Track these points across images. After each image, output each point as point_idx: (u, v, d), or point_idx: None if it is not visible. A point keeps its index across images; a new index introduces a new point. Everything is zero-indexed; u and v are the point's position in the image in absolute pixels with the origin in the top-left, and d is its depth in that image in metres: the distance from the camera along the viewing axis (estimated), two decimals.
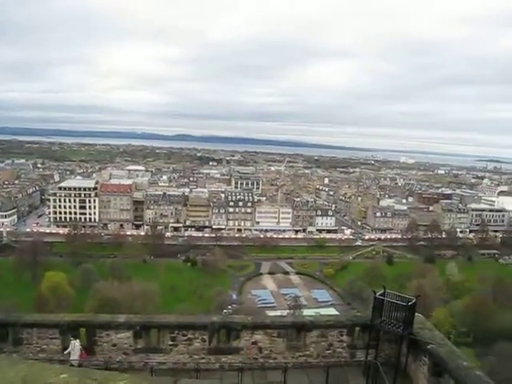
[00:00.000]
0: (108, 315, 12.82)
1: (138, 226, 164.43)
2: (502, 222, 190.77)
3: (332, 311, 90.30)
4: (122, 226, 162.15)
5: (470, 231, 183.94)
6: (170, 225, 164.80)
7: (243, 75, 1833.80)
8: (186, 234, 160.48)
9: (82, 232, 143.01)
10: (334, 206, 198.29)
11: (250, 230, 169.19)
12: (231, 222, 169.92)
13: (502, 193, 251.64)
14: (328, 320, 13.17)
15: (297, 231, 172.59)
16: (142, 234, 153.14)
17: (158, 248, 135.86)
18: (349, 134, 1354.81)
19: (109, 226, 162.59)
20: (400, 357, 11.91)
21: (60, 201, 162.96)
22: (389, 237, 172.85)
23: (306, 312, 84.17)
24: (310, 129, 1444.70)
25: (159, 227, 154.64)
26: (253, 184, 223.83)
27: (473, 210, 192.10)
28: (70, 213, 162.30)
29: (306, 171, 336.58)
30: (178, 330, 12.18)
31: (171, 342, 12.23)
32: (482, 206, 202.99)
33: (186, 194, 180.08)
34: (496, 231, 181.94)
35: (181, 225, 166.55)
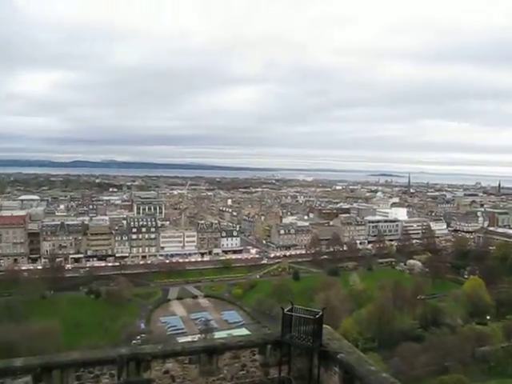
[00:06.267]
0: (2, 360, 11.70)
1: (34, 260, 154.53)
2: (396, 231, 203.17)
3: (244, 331, 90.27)
4: (16, 260, 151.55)
5: (369, 242, 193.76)
6: (70, 256, 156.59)
7: (147, 101, 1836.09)
8: (87, 265, 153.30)
9: None
10: (238, 226, 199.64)
11: (155, 255, 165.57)
12: (135, 249, 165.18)
13: (394, 204, 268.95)
14: (239, 340, 13.07)
15: (203, 254, 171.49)
16: (40, 267, 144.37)
17: (57, 281, 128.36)
18: (250, 156, 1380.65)
19: (1, 261, 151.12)
20: (312, 369, 12.12)
21: None
22: (293, 253, 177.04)
23: (218, 334, 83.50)
24: (213, 151, 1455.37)
25: (58, 259, 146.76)
26: (155, 209, 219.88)
27: (369, 222, 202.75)
28: None
29: (209, 193, 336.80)
30: (83, 368, 11.42)
31: (77, 382, 11.45)
32: (378, 217, 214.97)
33: (86, 222, 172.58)
34: (391, 240, 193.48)
35: (82, 255, 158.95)
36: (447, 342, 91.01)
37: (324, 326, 12.37)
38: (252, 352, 12.56)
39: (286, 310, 12.30)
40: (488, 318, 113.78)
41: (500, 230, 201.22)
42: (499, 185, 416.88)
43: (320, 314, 12.08)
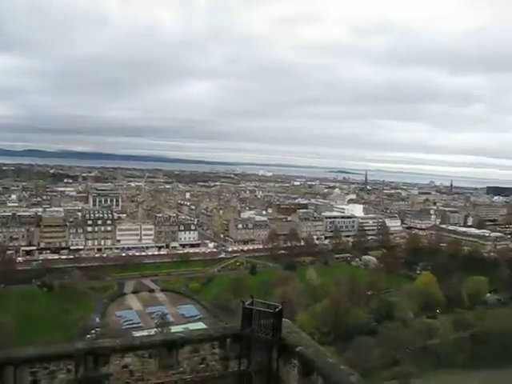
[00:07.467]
0: None
1: None
2: (353, 227, 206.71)
3: (201, 325, 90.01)
4: None
5: (326, 237, 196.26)
6: (22, 248, 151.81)
7: (106, 91, 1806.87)
8: (40, 258, 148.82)
9: None
10: (196, 220, 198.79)
11: (111, 248, 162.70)
12: (90, 242, 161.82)
13: (351, 201, 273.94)
14: (199, 334, 13.04)
15: (160, 247, 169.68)
16: None
17: (8, 275, 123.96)
18: (210, 149, 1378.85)
19: None
20: (271, 362, 12.24)
21: None
22: (251, 248, 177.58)
23: (175, 329, 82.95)
24: (172, 144, 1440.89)
25: (9, 252, 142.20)
26: (112, 201, 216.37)
27: (327, 217, 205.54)
28: None
29: (167, 186, 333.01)
30: (39, 364, 11.10)
31: (31, 378, 11.11)
32: (335, 213, 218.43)
33: (39, 213, 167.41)
34: (348, 236, 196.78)
35: (34, 247, 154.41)
36: (399, 336, 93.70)
37: (283, 319, 12.52)
38: (212, 345, 12.56)
39: (246, 303, 12.37)
40: (438, 311, 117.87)
41: (451, 227, 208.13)
42: (451, 184, 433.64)
43: (280, 307, 12.21)
